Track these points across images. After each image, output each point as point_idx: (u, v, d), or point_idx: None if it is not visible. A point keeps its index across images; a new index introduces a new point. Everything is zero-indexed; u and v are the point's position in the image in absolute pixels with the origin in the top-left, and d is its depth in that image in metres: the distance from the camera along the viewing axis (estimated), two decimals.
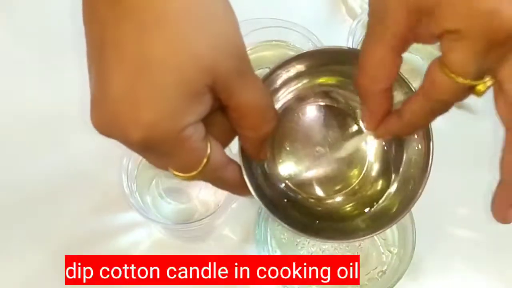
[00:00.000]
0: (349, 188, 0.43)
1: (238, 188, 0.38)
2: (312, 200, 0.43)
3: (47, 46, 0.63)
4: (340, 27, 0.57)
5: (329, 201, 0.43)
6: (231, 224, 0.57)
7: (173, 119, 0.30)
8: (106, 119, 0.30)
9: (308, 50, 0.41)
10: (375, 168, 0.44)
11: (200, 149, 0.32)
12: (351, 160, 0.43)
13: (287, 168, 0.43)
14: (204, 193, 0.54)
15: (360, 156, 0.43)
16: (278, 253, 0.54)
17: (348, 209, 0.43)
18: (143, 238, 0.57)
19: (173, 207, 0.53)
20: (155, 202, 0.53)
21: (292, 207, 0.43)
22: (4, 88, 0.63)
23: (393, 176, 0.43)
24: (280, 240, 0.55)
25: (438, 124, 0.62)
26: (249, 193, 0.38)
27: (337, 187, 0.43)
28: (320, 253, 0.55)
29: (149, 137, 0.30)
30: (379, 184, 0.43)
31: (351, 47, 0.55)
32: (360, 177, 0.43)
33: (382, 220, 0.41)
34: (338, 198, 0.44)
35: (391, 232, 0.55)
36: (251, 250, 0.56)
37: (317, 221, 0.42)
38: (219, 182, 0.36)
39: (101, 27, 0.30)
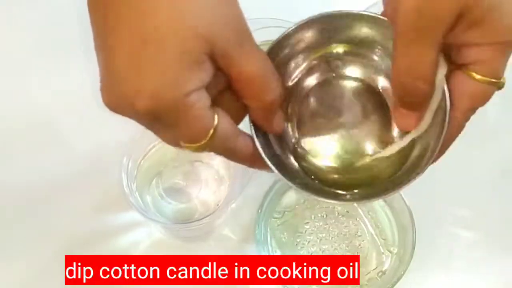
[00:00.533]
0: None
1: (251, 160, 0.37)
2: (335, 176, 0.42)
3: (50, 44, 0.63)
4: None
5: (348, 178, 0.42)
6: (231, 224, 0.57)
7: (176, 86, 0.31)
8: (115, 95, 0.32)
9: (312, 17, 0.41)
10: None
11: (206, 117, 0.33)
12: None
13: (309, 143, 0.41)
14: (204, 193, 0.54)
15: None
16: (278, 253, 0.54)
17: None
18: (143, 238, 0.57)
19: (173, 207, 0.53)
20: (155, 202, 0.53)
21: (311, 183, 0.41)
22: (4, 87, 0.63)
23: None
24: (280, 240, 0.55)
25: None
26: (265, 166, 0.37)
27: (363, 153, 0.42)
28: (320, 253, 0.55)
29: (154, 105, 0.31)
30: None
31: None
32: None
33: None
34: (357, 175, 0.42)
35: (391, 232, 0.55)
36: (251, 250, 0.56)
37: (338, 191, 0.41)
38: (230, 153, 0.36)
39: (103, 14, 0.32)
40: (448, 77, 0.36)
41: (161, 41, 0.31)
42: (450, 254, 0.57)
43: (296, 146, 0.41)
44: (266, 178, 0.55)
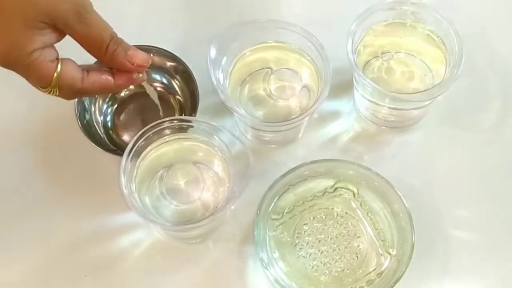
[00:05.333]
0: None
1: (104, 91, 0.49)
2: None
3: None
4: (340, 28, 0.57)
5: None
6: (230, 225, 0.58)
7: (21, 46, 0.42)
8: None
9: None
10: None
11: (48, 67, 0.44)
12: None
13: None
14: (204, 195, 0.54)
15: None
16: (277, 254, 0.54)
17: None
18: (143, 239, 0.57)
19: (173, 208, 0.53)
20: (154, 203, 0.53)
21: None
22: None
23: None
24: (279, 241, 0.55)
25: (437, 124, 0.63)
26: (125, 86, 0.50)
27: None
28: (319, 254, 0.55)
29: (5, 59, 0.43)
30: None
31: (350, 49, 0.56)
32: None
33: None
34: None
35: (390, 234, 0.55)
36: (250, 251, 0.56)
37: None
38: (82, 93, 0.47)
39: None
40: None
41: (9, 14, 0.42)
42: (448, 255, 0.57)
43: None
44: (266, 179, 0.55)
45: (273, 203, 0.55)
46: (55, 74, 0.44)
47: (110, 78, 0.47)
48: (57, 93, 0.45)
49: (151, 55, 0.49)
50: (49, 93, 0.45)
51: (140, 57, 0.48)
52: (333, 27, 0.64)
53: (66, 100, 0.57)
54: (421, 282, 0.56)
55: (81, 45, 0.45)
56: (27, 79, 0.44)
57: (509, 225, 0.59)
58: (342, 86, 0.62)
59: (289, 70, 0.59)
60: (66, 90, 0.45)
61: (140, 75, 0.49)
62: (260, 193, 0.54)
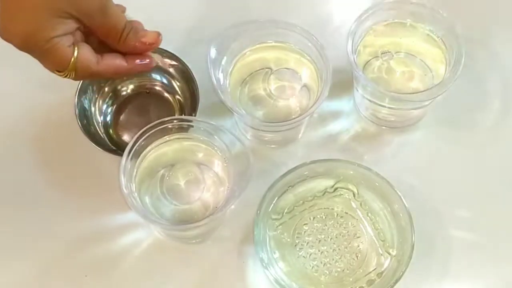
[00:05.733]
0: None
1: (116, 75, 0.52)
2: None
3: None
4: (340, 28, 0.57)
5: None
6: (230, 225, 0.57)
7: (44, 31, 0.44)
8: (4, 34, 0.45)
9: None
10: None
11: (66, 52, 0.46)
12: None
13: None
14: (205, 195, 0.54)
15: None
16: (277, 254, 0.54)
17: None
18: (143, 239, 0.57)
19: (173, 208, 0.53)
20: (154, 203, 0.53)
21: None
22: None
23: None
24: (278, 241, 0.55)
25: (437, 124, 0.63)
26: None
27: None
28: (319, 254, 0.55)
29: (26, 42, 0.44)
30: None
31: (350, 49, 0.55)
32: None
33: None
34: None
35: (390, 234, 0.55)
36: (250, 251, 0.56)
37: None
38: (97, 75, 0.49)
39: None
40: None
41: (42, 1, 0.44)
42: (449, 255, 0.57)
43: None
44: (265, 179, 0.55)
45: (273, 203, 0.55)
46: (72, 59, 0.46)
47: (123, 61, 0.50)
48: (73, 76, 0.48)
49: (161, 34, 0.51)
50: (65, 76, 0.47)
51: (150, 36, 0.50)
52: (333, 27, 0.65)
53: (66, 100, 0.58)
54: (421, 282, 0.56)
55: (98, 34, 0.48)
56: (44, 62, 0.47)
57: (509, 225, 0.59)
58: (342, 86, 0.62)
59: (289, 70, 0.59)
60: (82, 73, 0.48)
61: (147, 60, 0.51)
62: (260, 193, 0.54)
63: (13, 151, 0.60)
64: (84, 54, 0.47)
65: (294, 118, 0.55)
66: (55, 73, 0.47)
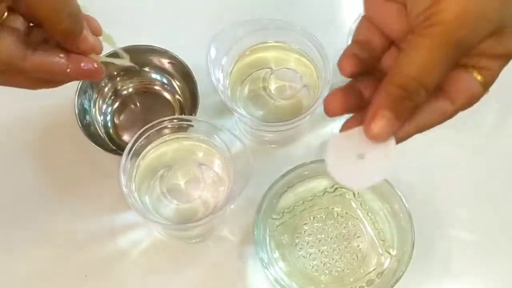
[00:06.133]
0: None
1: (56, 78, 0.39)
2: None
3: None
4: (340, 28, 0.57)
5: None
6: (230, 225, 0.58)
7: None
8: None
9: None
10: None
11: None
12: None
13: None
14: (205, 194, 0.54)
15: None
16: (277, 254, 0.54)
17: None
18: (143, 239, 0.57)
19: (173, 207, 0.53)
20: (154, 203, 0.53)
21: None
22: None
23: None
24: (278, 241, 0.55)
25: (438, 126, 0.62)
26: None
27: None
28: (319, 254, 0.55)
29: None
30: None
31: None
32: None
33: None
34: None
35: (390, 233, 0.55)
36: (250, 251, 0.56)
37: None
38: (18, 72, 0.37)
39: None
40: (452, 74, 0.36)
41: None
42: (449, 255, 0.57)
43: None
44: (265, 179, 0.55)
45: (273, 203, 0.55)
46: None
47: (63, 61, 0.37)
48: None
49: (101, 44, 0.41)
50: None
51: (91, 42, 0.39)
52: (333, 27, 0.65)
53: (66, 100, 0.58)
54: (421, 282, 0.56)
55: (27, 10, 0.36)
56: None
57: (509, 225, 0.59)
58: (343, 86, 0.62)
59: (289, 70, 0.59)
60: (1, 67, 0.35)
61: (95, 66, 0.39)
62: (260, 193, 0.54)
63: (13, 151, 0.60)
64: (6, 39, 0.35)
65: (294, 118, 0.55)
66: None
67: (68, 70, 0.38)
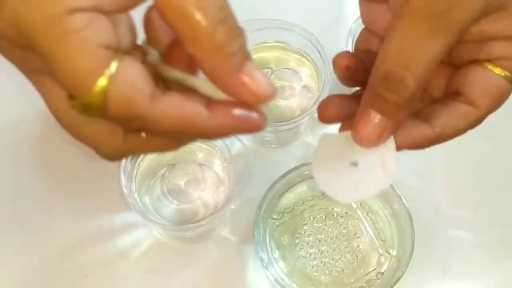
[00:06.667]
0: None
1: (190, 131, 0.25)
2: None
3: None
4: (340, 28, 0.57)
5: None
6: (230, 225, 0.57)
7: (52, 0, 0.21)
8: None
9: None
10: None
11: (95, 55, 0.22)
12: None
13: None
14: (205, 195, 0.54)
15: None
16: (277, 254, 0.54)
17: None
18: (143, 239, 0.57)
19: (173, 208, 0.53)
20: (154, 203, 0.53)
21: None
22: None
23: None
24: (278, 241, 0.55)
25: None
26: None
27: None
28: (319, 254, 0.55)
29: (20, 23, 0.22)
30: None
31: (350, 49, 0.55)
32: None
33: None
34: None
35: (390, 234, 0.55)
36: (250, 251, 0.56)
37: None
38: (146, 127, 0.24)
39: None
40: (466, 73, 0.32)
41: None
42: (449, 256, 0.57)
43: None
44: (265, 179, 0.55)
45: (273, 203, 0.55)
46: (107, 71, 0.22)
47: (201, 108, 0.25)
48: (96, 113, 0.24)
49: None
50: (83, 111, 0.24)
51: (264, 82, 0.25)
52: (333, 27, 0.65)
53: None
54: (421, 282, 0.56)
55: (161, 12, 0.24)
56: (45, 64, 0.23)
57: (509, 225, 0.59)
58: (342, 86, 0.62)
59: (289, 70, 0.59)
60: (117, 111, 0.23)
61: (254, 115, 0.26)
62: (260, 193, 0.54)
63: (13, 151, 0.60)
64: (131, 72, 0.23)
65: (294, 118, 0.55)
66: (60, 105, 0.25)
67: (206, 122, 0.25)
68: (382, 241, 0.55)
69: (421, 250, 0.53)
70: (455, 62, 0.33)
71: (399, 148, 0.32)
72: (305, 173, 0.56)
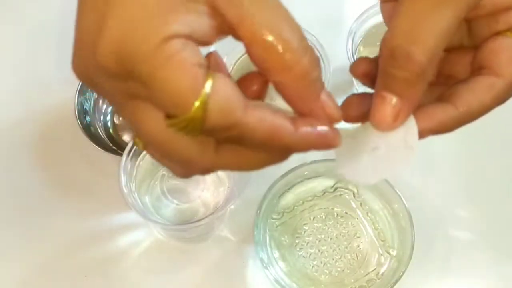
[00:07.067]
0: None
1: (278, 141, 0.27)
2: None
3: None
4: (340, 28, 0.57)
5: None
6: (230, 225, 0.57)
7: (151, 23, 0.24)
8: (79, 58, 0.26)
9: None
10: None
11: (194, 73, 0.24)
12: None
13: None
14: (205, 195, 0.54)
15: None
16: (277, 254, 0.54)
17: None
18: (143, 239, 0.57)
19: (173, 208, 0.53)
20: (154, 203, 0.53)
21: None
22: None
23: None
24: (278, 241, 0.55)
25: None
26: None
27: None
28: (319, 254, 0.55)
29: (121, 52, 0.24)
30: None
31: (350, 49, 0.55)
32: None
33: None
34: None
35: (390, 234, 0.55)
36: (250, 251, 0.56)
37: None
38: (241, 134, 0.26)
39: None
40: (486, 46, 0.31)
41: None
42: (449, 255, 0.57)
43: None
44: (265, 179, 0.55)
45: (273, 203, 0.55)
46: (206, 86, 0.25)
47: (288, 123, 0.27)
48: (197, 128, 0.25)
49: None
50: (183, 128, 0.25)
51: (337, 107, 0.29)
52: (333, 27, 0.65)
53: (66, 100, 0.58)
54: (421, 282, 0.56)
55: (251, 53, 0.26)
56: (146, 90, 0.25)
57: (509, 225, 0.59)
58: (342, 86, 0.62)
59: None
60: (217, 121, 0.25)
61: (327, 130, 0.28)
62: (260, 193, 0.54)
63: (13, 151, 0.60)
64: (226, 86, 0.25)
65: None
66: (156, 125, 0.26)
67: (292, 135, 0.27)
68: (382, 241, 0.55)
69: (421, 250, 0.53)
70: (478, 43, 0.32)
71: (423, 133, 0.31)
72: (305, 173, 0.56)
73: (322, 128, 0.28)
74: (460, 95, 0.31)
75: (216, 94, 0.25)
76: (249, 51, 0.26)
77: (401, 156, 0.31)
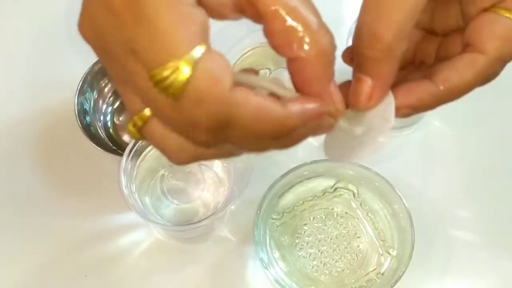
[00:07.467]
0: None
1: (270, 123, 0.25)
2: None
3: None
4: (340, 28, 0.57)
5: None
6: (230, 225, 0.57)
7: None
8: (89, 11, 0.26)
9: None
10: None
11: (196, 29, 0.24)
12: None
13: None
14: (205, 195, 0.54)
15: None
16: (277, 254, 0.54)
17: None
18: (143, 239, 0.57)
19: (173, 208, 0.53)
20: (154, 203, 0.53)
21: None
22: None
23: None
24: (278, 241, 0.55)
25: (437, 124, 0.62)
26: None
27: None
28: (319, 254, 0.55)
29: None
30: None
31: None
32: None
33: None
34: None
35: (390, 234, 0.55)
36: (250, 251, 0.56)
37: None
38: (232, 111, 0.25)
39: None
40: (471, 23, 0.31)
41: None
42: (449, 255, 0.57)
43: None
44: (265, 179, 0.55)
45: (273, 203, 0.55)
46: (198, 48, 0.24)
47: (276, 102, 0.26)
48: (181, 87, 0.23)
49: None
50: (165, 79, 0.23)
51: (342, 99, 0.29)
52: (333, 27, 0.64)
53: (66, 100, 0.58)
54: (421, 282, 0.56)
55: (268, 20, 0.25)
56: (150, 39, 0.24)
57: (509, 225, 0.59)
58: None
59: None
60: (202, 86, 0.24)
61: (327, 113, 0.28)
62: (260, 193, 0.54)
63: (13, 151, 0.60)
64: (220, 57, 0.25)
65: None
66: (153, 72, 0.24)
67: (287, 113, 0.26)
68: (382, 241, 0.55)
69: (421, 250, 0.53)
70: (468, 22, 0.32)
71: (403, 109, 0.31)
72: (305, 173, 0.56)
73: (315, 106, 0.27)
74: (441, 71, 0.31)
75: (208, 58, 0.24)
76: (268, 27, 0.25)
77: (379, 130, 0.31)
